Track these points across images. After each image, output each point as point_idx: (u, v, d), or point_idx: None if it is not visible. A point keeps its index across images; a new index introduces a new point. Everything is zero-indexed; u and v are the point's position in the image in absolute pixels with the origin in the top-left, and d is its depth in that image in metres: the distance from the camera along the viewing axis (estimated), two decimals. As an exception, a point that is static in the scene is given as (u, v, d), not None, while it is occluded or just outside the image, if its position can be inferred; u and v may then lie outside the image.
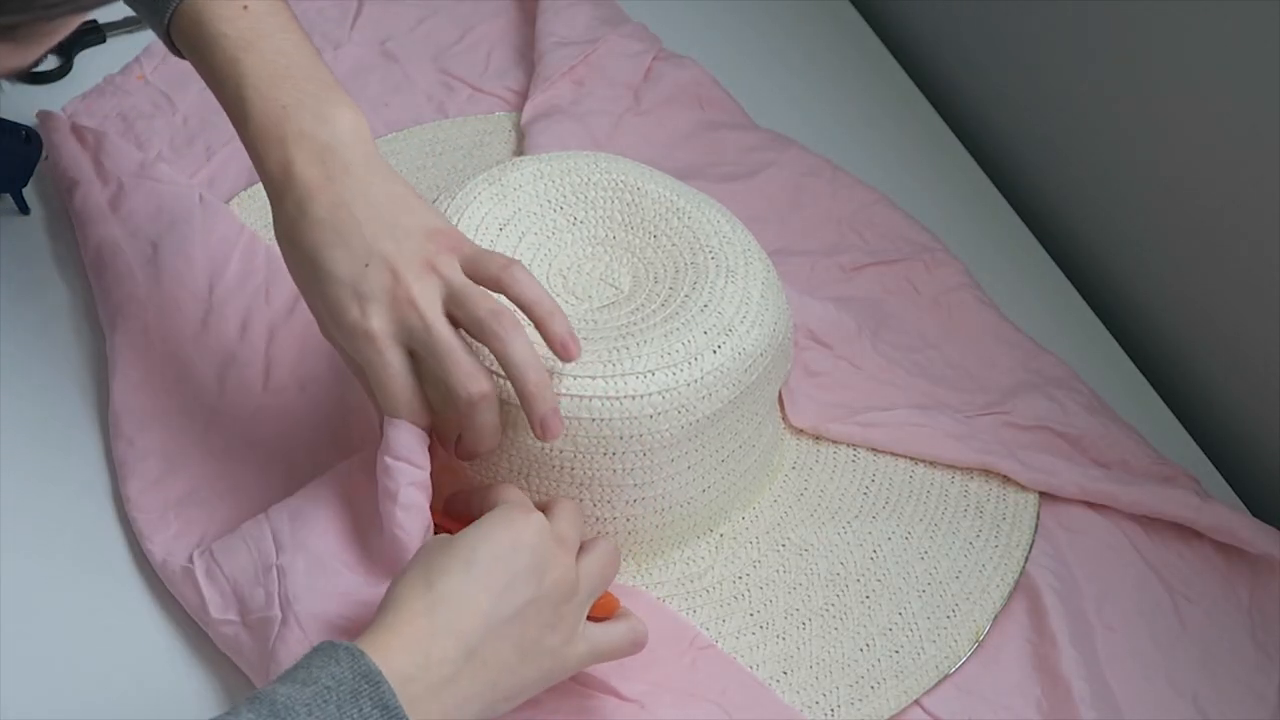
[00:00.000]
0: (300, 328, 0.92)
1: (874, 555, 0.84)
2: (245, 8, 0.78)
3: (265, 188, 0.77)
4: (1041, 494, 0.87)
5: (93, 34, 1.08)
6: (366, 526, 0.79)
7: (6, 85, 1.03)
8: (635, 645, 0.74)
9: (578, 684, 0.76)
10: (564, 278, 0.83)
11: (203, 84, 1.05)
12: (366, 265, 0.74)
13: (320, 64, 0.79)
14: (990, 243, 1.03)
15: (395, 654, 0.65)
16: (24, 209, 0.97)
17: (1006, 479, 0.87)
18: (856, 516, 0.86)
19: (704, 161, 1.05)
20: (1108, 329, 1.00)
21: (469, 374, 0.73)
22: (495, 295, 0.75)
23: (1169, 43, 0.94)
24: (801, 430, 0.89)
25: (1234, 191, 0.92)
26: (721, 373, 0.78)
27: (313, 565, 0.77)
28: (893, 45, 1.19)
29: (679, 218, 0.85)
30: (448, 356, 0.73)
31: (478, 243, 0.82)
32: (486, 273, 0.75)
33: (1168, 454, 0.90)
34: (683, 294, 0.81)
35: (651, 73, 1.10)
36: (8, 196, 0.97)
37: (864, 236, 1.02)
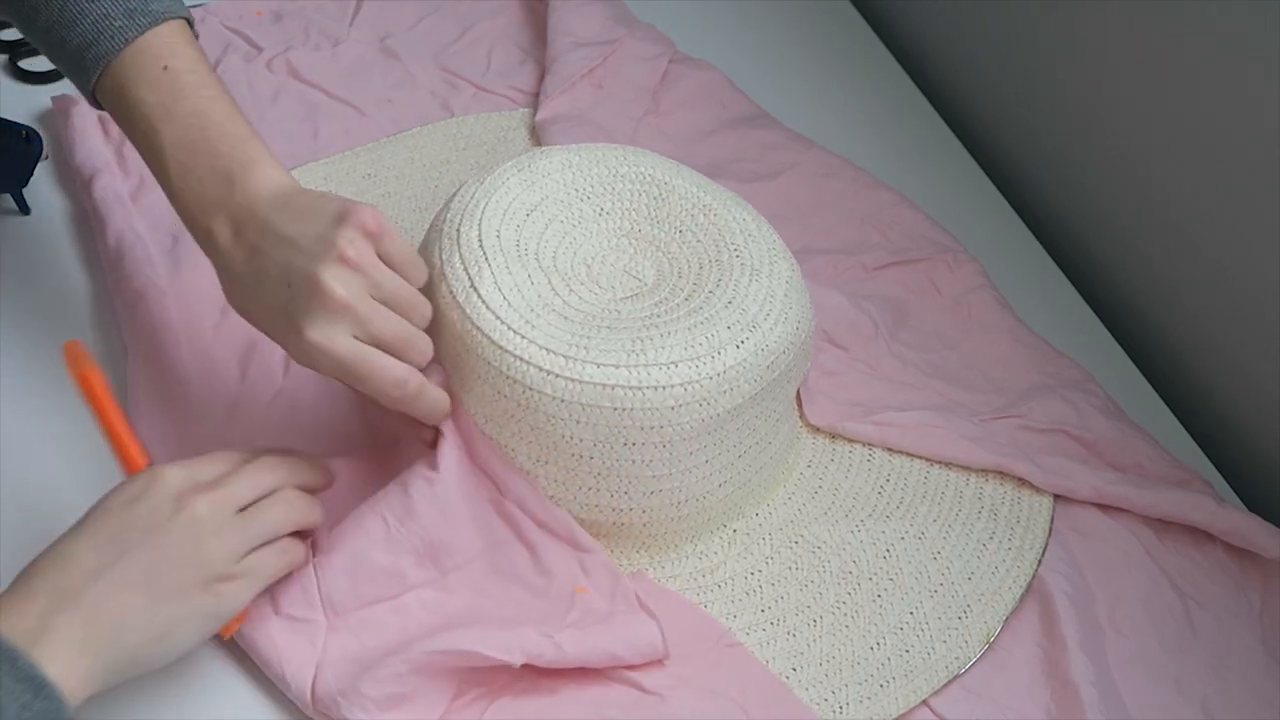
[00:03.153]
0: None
1: (887, 554, 0.84)
2: (165, 68, 0.79)
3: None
4: (1055, 497, 0.88)
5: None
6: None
7: (6, 84, 1.03)
8: (292, 560, 0.75)
9: (600, 673, 0.76)
10: (588, 267, 0.84)
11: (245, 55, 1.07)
12: (289, 286, 0.74)
13: (236, 118, 0.80)
14: (989, 242, 1.03)
15: (5, 620, 0.66)
16: (24, 209, 0.97)
17: (1021, 482, 0.88)
18: (870, 515, 0.86)
19: (727, 159, 1.06)
20: (1107, 328, 1.01)
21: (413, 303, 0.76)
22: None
23: (1173, 42, 0.94)
24: (818, 428, 0.90)
25: (1238, 195, 0.92)
26: (744, 368, 0.78)
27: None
28: (893, 45, 1.20)
29: (705, 214, 0.85)
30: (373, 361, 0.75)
31: (505, 227, 0.82)
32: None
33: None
34: (707, 289, 0.81)
35: (669, 76, 1.11)
36: (8, 196, 0.97)
37: (886, 236, 1.02)
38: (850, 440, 0.90)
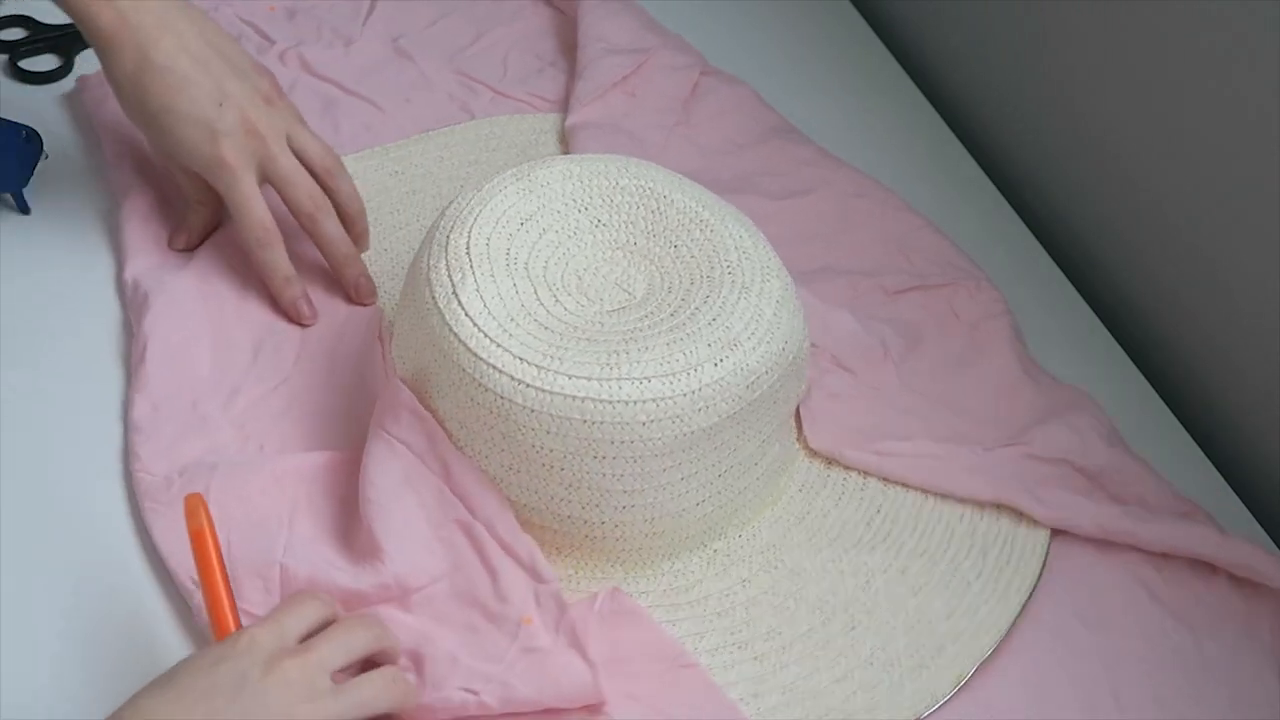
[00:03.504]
0: (345, 308, 0.94)
1: (866, 586, 0.82)
2: None
3: (97, 47, 0.88)
4: (1055, 533, 0.85)
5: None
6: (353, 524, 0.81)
7: (6, 84, 1.04)
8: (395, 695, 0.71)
9: None
10: (579, 278, 0.83)
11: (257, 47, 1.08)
12: (220, 105, 0.88)
13: None
14: (989, 242, 1.03)
15: None
16: (24, 209, 0.97)
17: (1020, 516, 0.85)
18: (855, 545, 0.84)
19: (756, 172, 1.04)
20: (1107, 328, 1.00)
21: (311, 192, 0.91)
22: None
23: (1176, 43, 0.92)
24: (816, 453, 0.88)
25: (1238, 195, 0.90)
26: (721, 386, 0.77)
27: (314, 564, 0.79)
28: (893, 45, 1.19)
29: (702, 230, 0.84)
30: (290, 180, 0.90)
31: (496, 235, 0.82)
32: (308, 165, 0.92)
33: (1179, 473, 0.89)
34: (694, 305, 0.80)
35: (699, 88, 1.10)
36: (8, 196, 0.97)
37: (910, 259, 1.00)
38: (847, 467, 0.88)
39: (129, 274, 0.94)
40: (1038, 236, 1.05)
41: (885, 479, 0.87)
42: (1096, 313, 1.00)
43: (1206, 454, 0.93)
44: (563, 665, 0.76)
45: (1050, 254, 1.04)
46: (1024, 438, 0.89)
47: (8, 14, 1.08)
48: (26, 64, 1.07)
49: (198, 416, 0.87)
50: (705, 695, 0.77)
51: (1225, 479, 0.91)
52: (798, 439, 0.88)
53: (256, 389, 0.89)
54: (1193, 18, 0.90)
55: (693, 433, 0.77)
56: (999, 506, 0.86)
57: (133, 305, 0.93)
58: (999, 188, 1.08)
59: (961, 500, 0.86)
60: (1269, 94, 0.85)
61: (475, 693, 0.74)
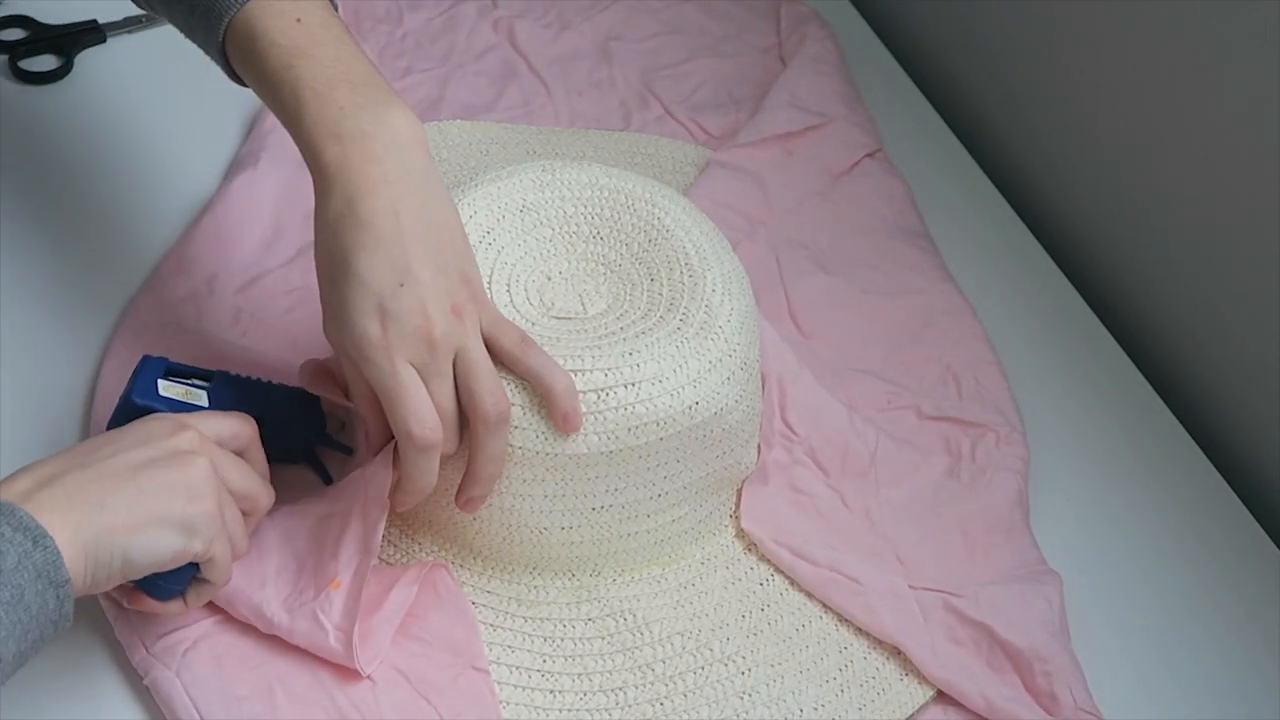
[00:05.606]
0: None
1: (698, 670, 0.79)
2: (298, 20, 0.77)
3: (315, 182, 0.76)
4: (939, 694, 0.80)
5: (93, 34, 1.07)
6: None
7: (6, 85, 1.05)
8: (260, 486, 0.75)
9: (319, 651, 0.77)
10: (548, 279, 0.84)
11: (433, 10, 1.12)
12: (401, 284, 0.73)
13: (376, 73, 0.77)
14: (989, 242, 1.04)
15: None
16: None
17: (909, 665, 0.81)
18: (715, 628, 0.81)
19: (859, 261, 1.02)
20: (1107, 328, 1.01)
21: (493, 391, 0.75)
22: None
23: (1176, 44, 0.93)
24: (743, 533, 0.85)
25: (1239, 194, 0.91)
26: (595, 419, 0.76)
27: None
28: (893, 45, 1.19)
29: (687, 271, 0.83)
30: (442, 411, 0.75)
31: (479, 230, 0.84)
32: (500, 345, 0.76)
33: (1179, 473, 0.92)
34: (629, 335, 0.80)
35: (859, 168, 1.07)
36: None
37: (960, 391, 0.95)
38: (760, 558, 0.85)
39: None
40: (1038, 236, 1.06)
41: (792, 582, 0.84)
42: (1096, 313, 1.01)
43: (1206, 454, 0.93)
44: (325, 647, 0.77)
45: (1050, 254, 1.05)
46: (959, 590, 0.83)
47: (8, 14, 1.08)
48: (26, 64, 1.06)
49: (208, 288, 0.93)
50: (477, 703, 0.77)
51: (1225, 479, 0.92)
52: (733, 514, 0.86)
53: (274, 284, 0.93)
54: (1196, 19, 0.91)
55: (554, 454, 0.77)
56: (897, 650, 0.81)
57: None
58: (999, 187, 1.09)
59: (859, 629, 0.82)
60: (1270, 94, 0.86)
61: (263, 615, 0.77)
